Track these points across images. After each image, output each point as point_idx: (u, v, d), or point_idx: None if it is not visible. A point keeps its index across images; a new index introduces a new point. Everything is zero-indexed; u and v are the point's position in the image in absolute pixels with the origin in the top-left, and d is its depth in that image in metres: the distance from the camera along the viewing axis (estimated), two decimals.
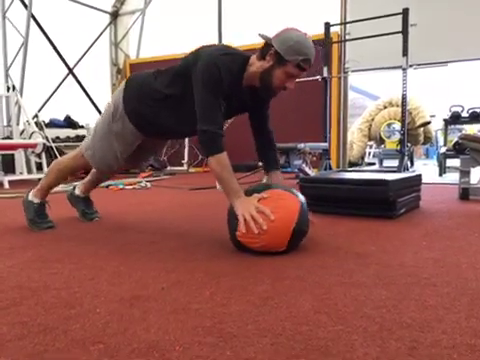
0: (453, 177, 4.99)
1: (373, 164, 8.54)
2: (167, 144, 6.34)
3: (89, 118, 7.32)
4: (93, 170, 2.33)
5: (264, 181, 2.05)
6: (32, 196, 2.20)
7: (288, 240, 1.61)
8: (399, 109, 5.23)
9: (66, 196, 2.51)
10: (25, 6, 6.35)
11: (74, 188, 2.47)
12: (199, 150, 6.46)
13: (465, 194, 3.20)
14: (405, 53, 4.23)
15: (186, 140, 6.36)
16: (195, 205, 3.14)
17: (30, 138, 5.26)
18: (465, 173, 3.18)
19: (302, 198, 1.72)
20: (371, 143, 9.35)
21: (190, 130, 1.77)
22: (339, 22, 5.50)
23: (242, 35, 6.40)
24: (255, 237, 1.58)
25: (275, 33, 1.71)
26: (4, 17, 6.30)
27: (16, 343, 0.92)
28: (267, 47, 1.69)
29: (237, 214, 1.59)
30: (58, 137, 6.49)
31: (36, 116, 5.98)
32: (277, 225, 1.58)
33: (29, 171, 5.29)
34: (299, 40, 1.66)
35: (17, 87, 5.96)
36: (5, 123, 6.05)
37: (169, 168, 6.60)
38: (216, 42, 6.86)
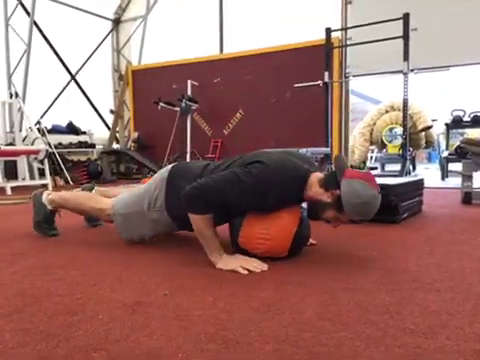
0: (455, 181, 4.98)
1: (375, 168, 8.53)
2: (168, 151, 6.38)
3: (91, 124, 7.35)
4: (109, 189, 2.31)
5: None
6: (46, 201, 2.15)
7: (290, 246, 1.61)
8: (401, 113, 5.23)
9: None
10: (28, 13, 6.39)
11: (90, 191, 2.43)
12: (201, 155, 6.48)
13: (468, 198, 3.19)
14: (406, 58, 4.23)
15: (188, 146, 6.38)
16: None
17: (32, 144, 5.28)
18: (467, 177, 3.18)
19: (302, 204, 1.72)
20: (373, 147, 9.34)
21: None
22: (340, 27, 5.52)
23: (243, 41, 6.43)
24: (258, 243, 1.58)
25: (349, 174, 1.55)
26: (7, 24, 6.33)
27: (19, 350, 0.92)
28: (333, 182, 1.55)
29: (228, 269, 1.52)
30: (60, 143, 6.51)
31: (38, 122, 6.01)
32: (278, 230, 1.58)
33: (31, 177, 5.30)
34: (366, 202, 1.53)
35: (20, 94, 5.98)
36: (8, 129, 6.07)
37: None
38: (217, 48, 6.90)
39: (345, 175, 1.54)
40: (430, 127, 8.07)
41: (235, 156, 1.80)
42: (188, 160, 6.60)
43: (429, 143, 8.92)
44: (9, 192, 4.57)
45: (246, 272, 1.47)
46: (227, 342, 0.94)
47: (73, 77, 7.24)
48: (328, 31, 4.86)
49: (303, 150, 4.05)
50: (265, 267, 1.51)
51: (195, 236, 1.94)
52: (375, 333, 0.97)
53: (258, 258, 1.57)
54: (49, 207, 2.15)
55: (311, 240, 1.89)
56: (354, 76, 5.75)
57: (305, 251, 1.74)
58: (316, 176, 1.62)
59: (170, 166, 1.94)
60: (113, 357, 0.88)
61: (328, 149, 4.81)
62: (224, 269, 1.51)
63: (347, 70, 5.73)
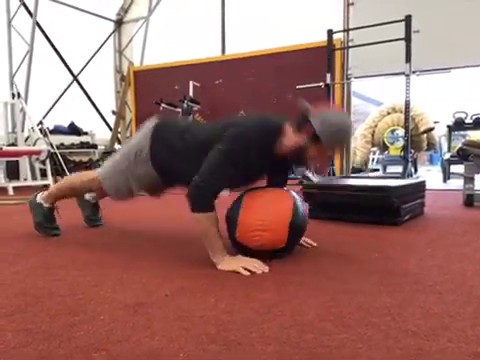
0: (457, 183, 4.98)
1: (377, 170, 8.53)
2: None
3: (93, 125, 7.36)
4: None
5: None
6: (41, 199, 2.18)
7: (287, 236, 1.61)
8: (402, 115, 5.23)
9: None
10: (30, 14, 6.41)
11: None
12: None
13: (469, 200, 3.18)
14: (408, 59, 4.23)
15: None
16: None
17: (35, 145, 5.28)
18: (469, 179, 3.17)
19: (295, 194, 1.75)
20: (374, 149, 9.34)
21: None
22: (342, 29, 5.52)
23: (245, 42, 6.44)
24: (255, 235, 1.59)
25: (315, 109, 1.62)
26: (9, 25, 6.35)
27: (20, 350, 0.92)
28: (304, 121, 1.61)
29: (230, 270, 1.52)
30: (62, 144, 6.52)
31: (41, 123, 6.02)
32: (273, 220, 1.59)
33: (33, 177, 5.31)
34: (340, 128, 1.60)
35: (22, 94, 5.99)
36: (10, 130, 6.08)
37: None
38: (219, 49, 6.91)
39: (312, 112, 1.61)
40: (432, 129, 8.07)
41: (211, 124, 1.87)
42: None
43: (431, 145, 8.92)
44: (11, 192, 4.58)
45: (247, 273, 1.47)
46: (228, 343, 0.94)
47: (75, 78, 7.25)
48: (330, 33, 4.86)
49: None
50: (266, 269, 1.51)
51: (197, 238, 1.95)
52: (376, 335, 0.97)
53: (260, 256, 1.57)
54: (46, 204, 2.17)
55: (312, 242, 1.90)
56: (356, 78, 5.75)
57: (306, 253, 1.74)
58: (287, 124, 1.68)
59: (153, 122, 1.98)
60: (114, 357, 0.88)
61: None
62: (225, 270, 1.51)
63: (349, 72, 5.73)
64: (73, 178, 2.23)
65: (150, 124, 1.98)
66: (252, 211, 1.65)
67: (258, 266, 1.52)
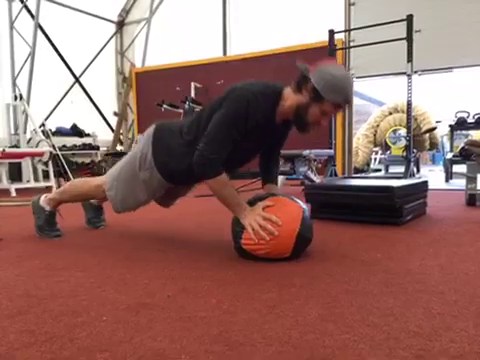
0: (459, 183, 4.96)
1: (379, 170, 8.51)
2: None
3: (95, 126, 7.38)
4: None
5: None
6: (44, 203, 2.18)
7: (292, 246, 1.61)
8: (404, 115, 5.23)
9: None
10: (32, 16, 6.43)
11: None
12: None
13: (472, 200, 3.18)
14: (410, 59, 4.23)
15: None
16: (201, 212, 3.14)
17: (37, 146, 5.30)
18: (472, 179, 3.17)
19: (304, 205, 1.73)
20: (377, 149, 9.33)
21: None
22: (343, 29, 5.52)
23: (247, 43, 6.44)
24: (260, 244, 1.59)
25: (315, 66, 1.60)
26: (12, 27, 6.38)
27: (23, 351, 0.93)
28: (304, 80, 1.60)
29: (244, 225, 1.58)
30: (65, 145, 6.54)
31: (43, 125, 6.04)
32: (280, 230, 1.59)
33: (36, 179, 5.33)
34: (339, 79, 1.56)
35: (24, 96, 6.02)
36: (12, 131, 6.10)
37: None
38: (221, 50, 6.91)
39: (310, 70, 1.60)
40: (434, 129, 8.05)
41: (209, 104, 1.83)
42: None
43: (433, 145, 8.91)
44: (14, 194, 4.59)
45: (252, 233, 1.54)
46: (231, 344, 0.94)
47: (77, 79, 7.27)
48: (331, 33, 4.86)
49: (306, 152, 4.05)
50: (279, 222, 1.54)
51: (198, 238, 1.95)
52: (379, 335, 0.97)
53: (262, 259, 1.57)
54: (48, 208, 2.17)
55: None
56: (358, 78, 5.75)
57: (308, 253, 1.74)
58: (288, 88, 1.67)
59: (153, 126, 1.97)
60: (117, 358, 0.89)
61: (332, 151, 4.80)
62: (245, 223, 1.58)
63: (351, 72, 5.73)
64: (78, 184, 2.20)
65: (150, 129, 1.97)
66: None
67: (270, 227, 1.55)
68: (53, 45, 6.90)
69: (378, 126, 8.91)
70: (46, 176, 5.36)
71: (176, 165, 1.82)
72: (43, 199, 2.19)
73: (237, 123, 1.61)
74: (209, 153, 1.60)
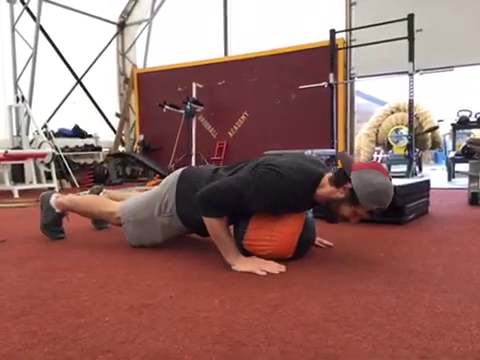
0: (462, 182, 4.95)
1: None
2: (173, 153, 6.39)
3: (97, 127, 7.39)
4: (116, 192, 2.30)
5: None
6: (54, 204, 2.16)
7: (294, 248, 1.61)
8: (406, 114, 5.22)
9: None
10: (34, 18, 6.44)
11: (98, 193, 2.43)
12: (206, 157, 6.49)
13: (474, 199, 3.17)
14: (411, 58, 4.22)
15: (193, 148, 6.39)
16: None
17: (39, 148, 5.31)
18: (474, 178, 3.16)
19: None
20: (379, 148, 9.32)
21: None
22: (344, 29, 5.51)
23: (248, 43, 6.44)
24: (262, 245, 1.59)
25: (358, 167, 1.57)
26: (13, 29, 6.38)
27: (27, 352, 0.93)
28: (344, 177, 1.55)
29: (246, 271, 1.52)
30: (67, 146, 6.55)
31: (45, 126, 6.04)
32: (283, 232, 1.58)
33: (38, 180, 5.34)
34: (380, 190, 1.51)
35: (26, 98, 6.03)
36: (15, 133, 6.11)
37: None
38: (222, 51, 6.91)
39: (354, 168, 1.54)
40: (436, 128, 8.04)
41: (243, 162, 1.78)
42: (193, 162, 6.64)
43: (435, 144, 8.89)
44: (16, 195, 4.60)
45: (264, 273, 1.47)
46: (233, 344, 0.94)
47: (79, 81, 7.28)
48: (332, 32, 4.86)
49: (308, 152, 4.05)
50: (283, 268, 1.50)
51: (200, 239, 1.95)
52: (381, 335, 0.97)
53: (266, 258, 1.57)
54: (57, 210, 2.16)
55: (328, 242, 1.90)
56: (359, 77, 5.74)
57: (311, 253, 1.74)
58: (327, 177, 1.61)
59: (180, 170, 1.92)
60: (120, 358, 0.89)
61: (334, 150, 4.80)
62: (239, 270, 1.51)
63: (352, 71, 5.73)
64: (93, 202, 2.15)
65: (176, 175, 1.90)
66: (263, 221, 1.63)
67: (275, 267, 1.51)
68: (55, 47, 6.90)
69: (380, 125, 8.90)
70: (49, 177, 5.37)
71: (199, 215, 1.65)
72: (54, 200, 2.16)
73: (255, 195, 1.53)
74: (216, 198, 1.55)
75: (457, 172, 5.79)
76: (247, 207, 1.59)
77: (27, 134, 5.91)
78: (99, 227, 2.44)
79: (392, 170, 7.57)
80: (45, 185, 5.15)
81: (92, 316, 1.12)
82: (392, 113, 8.85)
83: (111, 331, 1.02)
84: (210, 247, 1.90)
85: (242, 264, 1.53)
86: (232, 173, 1.72)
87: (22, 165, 5.44)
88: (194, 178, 1.83)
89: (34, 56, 6.33)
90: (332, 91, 4.95)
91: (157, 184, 5.71)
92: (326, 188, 1.59)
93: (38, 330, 1.04)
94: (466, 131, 7.63)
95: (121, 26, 8.17)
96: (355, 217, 1.60)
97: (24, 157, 5.16)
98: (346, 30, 5.52)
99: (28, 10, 6.46)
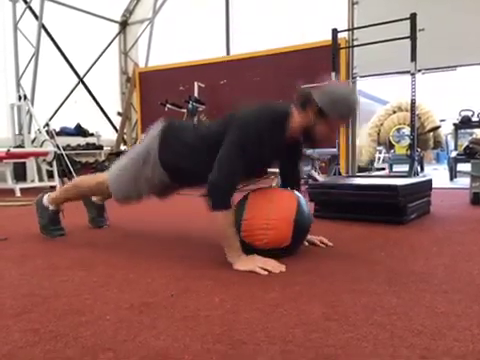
0: (464, 182, 4.94)
1: (383, 169, 8.49)
2: None
3: (99, 126, 7.40)
4: None
5: (273, 185, 2.06)
6: (47, 202, 2.18)
7: (291, 235, 1.61)
8: (408, 114, 5.20)
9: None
10: (36, 17, 6.45)
11: None
12: None
13: (476, 199, 3.16)
14: (413, 58, 4.21)
15: None
16: (203, 212, 3.13)
17: (41, 146, 5.31)
18: (476, 178, 3.15)
19: (297, 193, 1.76)
20: (380, 148, 9.31)
21: None
22: (347, 28, 5.50)
23: (250, 42, 6.44)
24: (260, 234, 1.59)
25: (317, 85, 1.65)
26: (16, 28, 6.39)
27: (28, 350, 0.93)
28: (308, 99, 1.63)
29: (246, 270, 1.52)
30: (69, 145, 6.55)
31: (47, 125, 6.05)
32: (277, 218, 1.60)
33: (40, 179, 5.35)
34: (340, 94, 1.62)
35: (28, 96, 6.03)
36: (17, 132, 6.12)
37: None
38: (224, 50, 6.91)
39: (313, 91, 1.63)
40: (438, 127, 8.03)
41: (217, 120, 1.85)
42: None
43: (437, 143, 8.88)
44: (18, 194, 4.61)
45: (265, 272, 1.47)
46: (234, 343, 0.94)
47: (81, 79, 7.29)
48: (334, 32, 4.84)
49: (310, 151, 4.05)
50: (283, 267, 1.51)
51: (201, 238, 1.95)
52: (382, 334, 0.97)
53: (270, 256, 1.57)
54: (51, 207, 2.17)
55: (327, 241, 1.91)
56: (361, 77, 5.73)
57: (311, 252, 1.74)
58: (293, 107, 1.69)
59: (161, 124, 1.97)
60: (120, 357, 0.89)
61: (335, 150, 4.79)
62: (241, 269, 1.51)
63: (354, 71, 5.71)
64: (80, 181, 2.21)
65: (157, 126, 1.97)
66: (256, 210, 1.66)
67: (276, 266, 1.51)
68: (57, 45, 6.91)
69: (382, 125, 8.90)
70: (50, 176, 5.37)
71: (181, 164, 1.84)
72: (46, 198, 2.19)
73: (248, 152, 1.59)
74: (223, 182, 1.58)
75: (459, 172, 5.77)
76: (246, 165, 1.62)
77: (29, 133, 5.92)
78: (98, 226, 2.45)
79: (394, 170, 7.56)
80: (47, 184, 5.16)
81: (93, 314, 1.12)
82: (394, 113, 8.84)
83: (112, 330, 1.02)
84: (211, 246, 1.90)
85: (243, 263, 1.54)
86: (213, 135, 1.76)
87: (24, 163, 5.45)
88: (176, 130, 1.93)
89: (36, 55, 6.34)
90: None
91: None
92: (296, 117, 1.67)
93: (39, 328, 1.04)
94: (468, 131, 7.61)
95: (123, 25, 8.17)
96: (332, 132, 1.71)
97: (26, 155, 5.16)
98: (348, 29, 5.51)
99: (30, 9, 6.47)
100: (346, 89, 1.66)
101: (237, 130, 1.63)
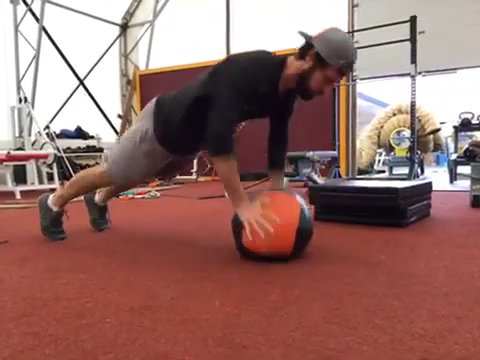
0: (464, 184, 4.94)
1: (383, 172, 8.50)
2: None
3: (99, 129, 7.40)
4: None
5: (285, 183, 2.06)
6: (51, 203, 2.17)
7: (293, 242, 1.61)
8: (408, 116, 5.21)
9: (84, 197, 2.46)
10: (36, 19, 6.47)
11: (95, 193, 2.45)
12: (208, 159, 6.48)
13: (477, 201, 3.16)
14: (413, 60, 4.22)
15: None
16: (204, 214, 3.14)
17: (41, 149, 5.32)
18: (476, 180, 3.15)
19: (301, 199, 1.74)
20: (380, 151, 9.31)
21: None
22: (347, 31, 5.52)
23: (250, 45, 6.45)
24: (260, 241, 1.58)
25: (318, 32, 1.63)
26: (16, 30, 6.41)
27: (28, 354, 0.93)
28: (307, 46, 1.61)
29: (242, 220, 1.58)
30: (69, 148, 6.56)
31: (47, 127, 6.06)
32: (281, 226, 1.59)
33: (40, 182, 5.35)
34: (343, 42, 1.59)
35: (29, 98, 6.05)
36: (17, 134, 6.13)
37: (178, 177, 6.63)
38: (224, 52, 6.92)
39: (313, 38, 1.61)
40: (438, 130, 8.04)
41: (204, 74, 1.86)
42: (195, 163, 6.64)
43: (437, 146, 8.89)
44: (18, 196, 4.61)
45: (250, 237, 1.52)
46: (234, 346, 0.94)
47: (81, 82, 7.30)
48: None
49: (310, 153, 4.05)
50: (271, 229, 1.52)
51: (202, 240, 1.95)
52: (383, 337, 0.97)
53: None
54: (55, 208, 2.17)
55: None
56: (361, 79, 5.74)
57: (311, 255, 1.74)
58: (291, 57, 1.68)
59: (152, 102, 1.99)
60: None
61: (335, 152, 4.80)
62: (242, 219, 1.56)
63: (354, 73, 5.72)
64: (81, 176, 2.21)
65: (151, 104, 1.99)
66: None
67: (267, 225, 1.52)
68: (57, 48, 6.93)
69: (382, 127, 8.90)
70: (51, 178, 5.38)
71: (175, 133, 1.86)
72: (51, 199, 2.18)
73: (244, 91, 1.59)
74: (220, 126, 1.59)
75: (459, 174, 5.77)
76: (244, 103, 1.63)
77: (29, 135, 5.93)
78: (99, 228, 2.45)
79: (394, 172, 7.57)
80: (47, 186, 5.16)
81: (93, 317, 1.12)
82: (394, 115, 8.85)
83: (112, 333, 1.02)
84: (211, 249, 1.90)
85: (243, 210, 1.58)
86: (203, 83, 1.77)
87: (24, 166, 5.45)
88: (166, 101, 1.93)
89: (37, 57, 6.35)
90: (334, 93, 4.95)
91: (159, 186, 5.71)
92: (293, 65, 1.65)
93: (39, 331, 1.04)
94: (468, 133, 7.61)
95: (124, 27, 8.20)
96: (328, 83, 1.66)
97: (26, 158, 5.17)
98: (348, 32, 5.52)
99: (31, 11, 6.49)
100: (347, 37, 1.63)
101: (230, 74, 1.63)
